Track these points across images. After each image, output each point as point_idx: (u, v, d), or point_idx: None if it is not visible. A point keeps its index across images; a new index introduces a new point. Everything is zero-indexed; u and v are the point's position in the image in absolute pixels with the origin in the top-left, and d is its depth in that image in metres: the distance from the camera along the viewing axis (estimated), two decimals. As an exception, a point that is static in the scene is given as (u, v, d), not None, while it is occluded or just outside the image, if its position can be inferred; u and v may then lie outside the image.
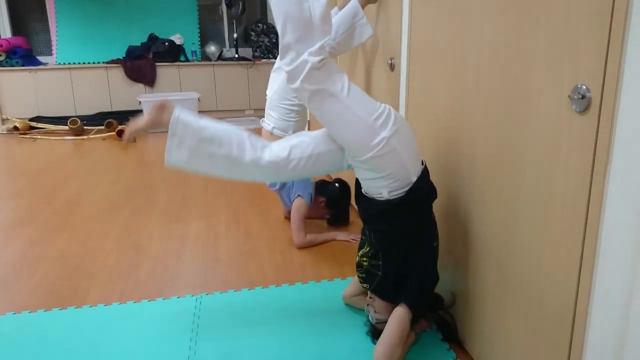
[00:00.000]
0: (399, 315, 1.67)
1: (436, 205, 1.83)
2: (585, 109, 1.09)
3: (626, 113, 0.98)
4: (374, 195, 1.68)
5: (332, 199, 2.82)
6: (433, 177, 1.73)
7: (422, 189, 1.66)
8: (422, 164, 1.69)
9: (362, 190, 1.75)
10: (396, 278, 1.73)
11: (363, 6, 2.33)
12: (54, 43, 6.70)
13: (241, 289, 2.24)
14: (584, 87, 1.08)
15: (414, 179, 1.61)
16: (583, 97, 1.08)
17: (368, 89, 2.69)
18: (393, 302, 1.74)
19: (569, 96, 1.12)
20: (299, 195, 2.70)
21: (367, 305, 1.88)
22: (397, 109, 2.14)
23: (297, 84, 1.54)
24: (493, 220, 1.52)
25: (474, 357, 1.73)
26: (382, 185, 1.61)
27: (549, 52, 1.19)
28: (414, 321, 1.70)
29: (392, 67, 2.27)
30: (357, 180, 1.78)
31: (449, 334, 1.81)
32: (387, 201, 1.64)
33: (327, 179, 3.03)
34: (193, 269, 2.45)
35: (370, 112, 1.55)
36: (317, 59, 1.51)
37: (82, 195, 3.62)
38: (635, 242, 0.98)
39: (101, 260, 2.55)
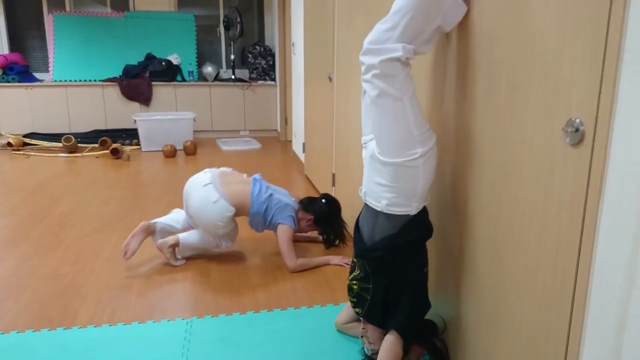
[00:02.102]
0: (390, 343, 1.67)
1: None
2: (578, 142, 1.11)
3: (619, 146, 1.00)
4: (372, 202, 1.68)
5: (320, 215, 2.81)
6: (427, 204, 1.74)
7: (420, 229, 1.70)
8: (426, 200, 1.71)
9: (361, 191, 1.75)
10: (386, 302, 1.73)
11: None
12: (50, 60, 6.72)
13: (233, 313, 2.22)
14: (578, 120, 1.10)
15: (414, 208, 1.63)
16: (577, 130, 1.10)
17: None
18: (383, 327, 1.73)
19: (562, 129, 1.14)
20: (279, 223, 2.69)
21: (362, 336, 1.87)
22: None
23: (376, 61, 1.48)
24: (486, 250, 1.53)
25: (467, 387, 1.72)
26: (385, 196, 1.62)
27: (544, 85, 1.22)
28: (406, 347, 1.69)
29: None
30: (356, 228, 1.80)
31: (441, 360, 1.80)
32: (384, 240, 1.66)
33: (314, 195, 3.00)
34: (184, 292, 2.43)
35: (420, 125, 1.55)
36: (407, 54, 1.48)
37: (75, 213, 3.59)
38: (627, 276, 0.99)
39: (92, 279, 2.52)
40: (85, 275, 2.58)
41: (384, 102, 1.51)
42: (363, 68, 1.55)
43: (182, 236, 2.71)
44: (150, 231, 2.78)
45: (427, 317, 1.83)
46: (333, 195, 2.95)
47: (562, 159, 1.16)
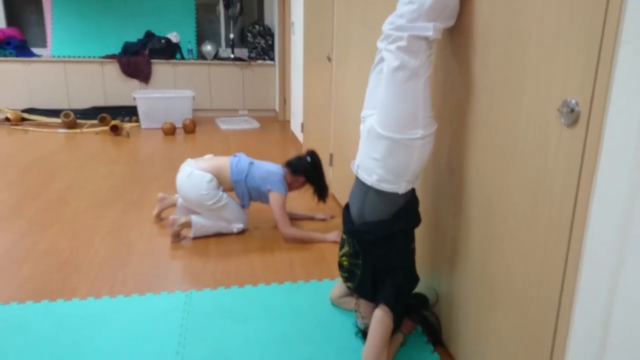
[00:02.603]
0: (379, 317, 1.71)
1: (424, 212, 1.88)
2: (573, 123, 1.13)
3: (614, 127, 1.02)
4: (363, 176, 1.71)
5: (310, 174, 2.86)
6: (421, 180, 1.77)
7: (410, 219, 1.76)
8: (414, 192, 1.75)
9: (354, 165, 1.78)
10: (375, 277, 1.77)
11: None
12: (48, 36, 6.68)
13: (231, 286, 2.26)
14: (573, 101, 1.12)
15: (403, 187, 1.66)
16: (572, 110, 1.13)
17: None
18: (373, 302, 1.78)
19: (558, 109, 1.17)
20: (269, 190, 2.75)
21: (355, 311, 1.92)
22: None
23: (405, 34, 1.50)
24: (479, 226, 1.56)
25: (457, 359, 1.77)
26: (377, 171, 1.65)
27: (540, 67, 1.24)
28: (397, 321, 1.74)
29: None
30: (346, 206, 1.84)
31: (434, 336, 1.85)
32: (378, 222, 1.70)
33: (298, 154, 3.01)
34: (183, 265, 2.47)
35: (426, 109, 1.58)
36: (436, 34, 1.51)
37: (73, 189, 3.62)
38: (618, 250, 1.02)
39: (91, 254, 2.56)
40: (83, 250, 2.61)
41: (402, 75, 1.53)
42: (388, 40, 1.56)
43: (195, 217, 2.74)
44: (170, 203, 2.93)
45: (420, 289, 1.88)
46: (315, 152, 2.96)
47: (557, 139, 1.19)
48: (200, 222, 2.74)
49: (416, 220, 1.80)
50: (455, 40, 1.67)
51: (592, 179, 1.09)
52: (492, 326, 1.53)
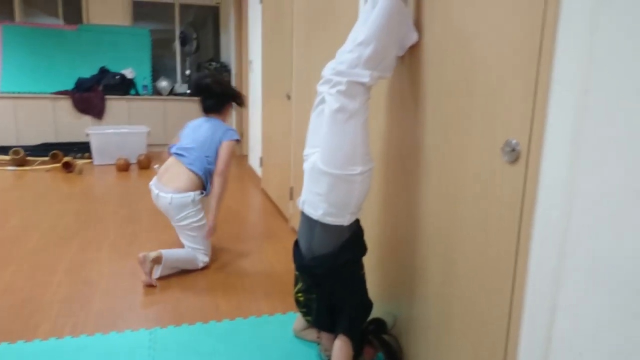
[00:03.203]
0: (339, 346, 1.79)
1: (384, 240, 1.99)
2: (515, 160, 1.28)
3: (549, 164, 1.17)
4: (309, 211, 1.80)
5: (227, 91, 3.08)
6: (382, 213, 1.88)
7: (356, 249, 1.87)
8: (358, 223, 1.86)
9: (299, 201, 1.87)
10: (331, 308, 1.86)
11: None
12: (-2, 71, 6.55)
13: (195, 322, 2.28)
14: (514, 141, 1.27)
15: (347, 220, 1.77)
16: (513, 150, 1.27)
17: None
18: (332, 332, 1.85)
19: (501, 148, 1.31)
20: (224, 142, 2.89)
21: (318, 343, 1.99)
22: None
23: (344, 80, 1.63)
24: (435, 252, 1.68)
25: (419, 384, 1.86)
26: (321, 206, 1.75)
27: (485, 110, 1.39)
28: (357, 347, 1.82)
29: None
30: (295, 243, 1.93)
31: (394, 358, 1.93)
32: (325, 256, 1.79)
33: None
34: (146, 302, 2.47)
35: (365, 148, 1.70)
36: (372, 81, 1.65)
37: (27, 227, 3.54)
38: (555, 275, 1.15)
39: (51, 293, 2.52)
40: (42, 289, 2.57)
41: (341, 116, 1.65)
42: (329, 84, 1.69)
43: (165, 251, 2.73)
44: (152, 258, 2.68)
45: (379, 314, 1.98)
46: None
47: (501, 175, 1.33)
48: (170, 255, 2.73)
49: (362, 249, 1.90)
50: (410, 88, 1.82)
51: (532, 210, 1.22)
52: (450, 345, 1.63)
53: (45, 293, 2.52)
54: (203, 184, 2.86)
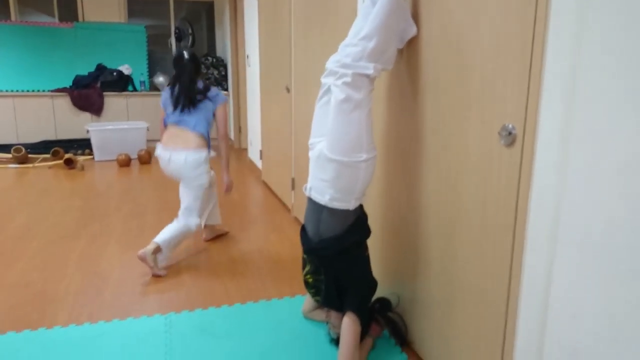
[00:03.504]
0: (348, 323, 1.89)
1: (387, 221, 2.09)
2: (511, 144, 1.38)
3: (542, 147, 1.27)
4: (316, 196, 1.90)
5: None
6: (385, 198, 1.98)
7: (361, 232, 1.96)
8: (362, 208, 1.96)
9: (306, 188, 1.96)
10: (338, 288, 1.96)
11: None
12: (-5, 70, 6.58)
13: (208, 307, 2.38)
14: (510, 125, 1.37)
15: (352, 205, 1.87)
16: (509, 134, 1.37)
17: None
18: (341, 311, 1.96)
19: (498, 133, 1.41)
20: (218, 105, 3.01)
21: (327, 322, 2.10)
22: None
23: (350, 72, 1.72)
24: (437, 232, 1.79)
25: (423, 357, 1.97)
26: (328, 192, 1.85)
27: (483, 97, 1.48)
28: (365, 325, 1.93)
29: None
30: (302, 228, 2.02)
31: (400, 336, 2.04)
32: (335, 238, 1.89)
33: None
34: (158, 290, 2.56)
35: (369, 136, 1.80)
36: (376, 73, 1.75)
37: (34, 223, 3.62)
38: (550, 251, 1.26)
39: (64, 285, 2.61)
40: (55, 281, 2.65)
41: (347, 106, 1.75)
42: (334, 76, 1.78)
43: (157, 238, 2.80)
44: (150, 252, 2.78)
45: (383, 294, 2.08)
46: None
47: (499, 157, 1.43)
48: (164, 237, 2.79)
49: (366, 232, 2.00)
50: (409, 78, 1.91)
51: (528, 190, 1.33)
52: (452, 322, 1.74)
53: (59, 285, 2.61)
54: (207, 144, 2.99)
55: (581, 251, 1.17)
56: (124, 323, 2.23)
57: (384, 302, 2.09)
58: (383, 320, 2.08)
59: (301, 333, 2.17)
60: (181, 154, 2.87)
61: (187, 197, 2.96)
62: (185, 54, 3.01)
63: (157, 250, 2.78)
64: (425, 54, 1.80)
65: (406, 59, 1.92)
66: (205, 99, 2.96)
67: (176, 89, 2.94)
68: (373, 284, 2.01)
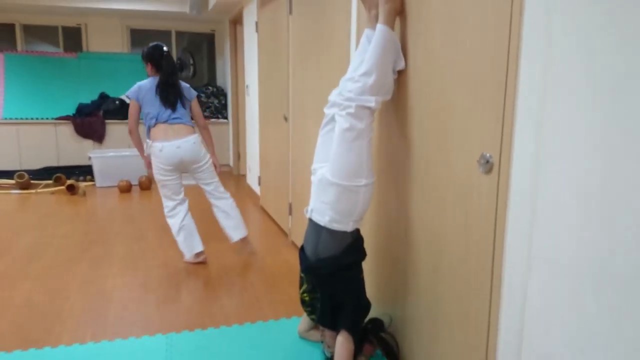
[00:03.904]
0: (341, 342, 2.00)
1: (380, 248, 2.20)
2: (489, 171, 1.51)
3: (516, 174, 1.40)
4: (317, 217, 2.02)
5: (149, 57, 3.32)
6: (378, 219, 2.10)
7: (357, 254, 2.08)
8: (359, 231, 2.08)
9: (307, 210, 2.09)
10: (333, 307, 2.07)
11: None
12: (0, 99, 6.74)
13: (207, 328, 2.47)
14: (488, 154, 1.50)
15: (350, 227, 1.99)
16: (487, 162, 1.50)
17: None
18: (335, 330, 2.06)
19: (477, 161, 1.54)
20: (194, 98, 3.42)
21: (322, 341, 2.20)
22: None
23: (353, 104, 1.87)
24: (425, 256, 1.90)
25: (414, 376, 2.06)
26: (328, 213, 1.97)
27: (464, 127, 1.62)
28: (358, 343, 2.02)
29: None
30: (301, 248, 2.14)
31: (392, 355, 2.13)
32: (332, 258, 2.00)
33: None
34: (159, 311, 2.65)
35: (368, 163, 1.94)
36: (377, 105, 1.90)
37: (38, 247, 3.71)
38: (525, 269, 1.38)
39: (68, 306, 2.70)
40: (60, 302, 2.74)
41: (350, 135, 1.89)
42: (339, 107, 1.93)
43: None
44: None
45: (375, 315, 2.18)
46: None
47: (478, 184, 1.56)
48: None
49: (362, 254, 2.12)
50: (397, 109, 2.06)
51: (505, 214, 1.45)
52: (439, 338, 1.84)
53: (63, 306, 2.70)
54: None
55: (552, 269, 1.29)
56: (127, 342, 2.31)
57: (377, 322, 2.19)
58: (376, 340, 2.17)
59: (297, 353, 2.26)
60: (189, 139, 3.23)
61: (210, 179, 3.41)
62: (165, 48, 3.34)
63: (202, 252, 3.35)
64: (410, 86, 1.94)
65: (396, 88, 2.07)
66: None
67: (166, 89, 3.24)
68: (366, 305, 2.11)
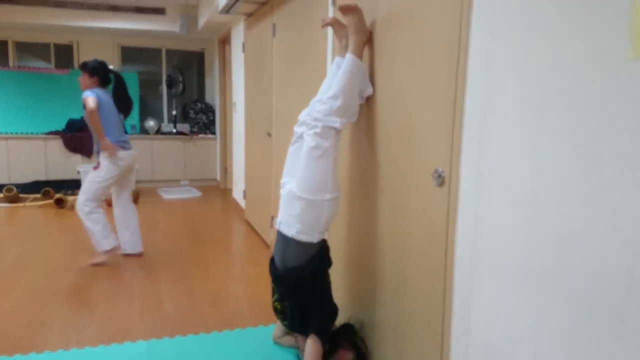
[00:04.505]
0: (310, 344, 2.13)
1: (351, 257, 2.34)
2: (441, 184, 1.66)
3: (465, 187, 1.55)
4: (284, 229, 2.15)
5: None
6: (348, 230, 2.24)
7: (322, 262, 2.22)
8: (325, 241, 2.22)
9: (277, 222, 2.22)
10: (302, 313, 2.20)
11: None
12: (-9, 113, 6.86)
13: (187, 334, 2.58)
14: (440, 169, 1.66)
15: (316, 238, 2.13)
16: (440, 176, 1.66)
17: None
18: (305, 334, 2.18)
19: (431, 175, 1.69)
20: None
21: (297, 346, 2.32)
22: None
23: (319, 124, 2.01)
24: (389, 262, 2.04)
25: (381, 378, 2.18)
26: (295, 225, 2.11)
27: (420, 144, 1.78)
28: (330, 349, 2.14)
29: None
30: (271, 259, 2.28)
31: (362, 357, 2.25)
32: (296, 268, 2.14)
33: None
34: (142, 319, 2.76)
35: (334, 180, 2.08)
36: (342, 126, 2.05)
37: (27, 257, 3.80)
38: (471, 272, 1.52)
39: (55, 314, 2.80)
40: (46, 310, 2.84)
41: (316, 152, 2.03)
42: (307, 126, 2.08)
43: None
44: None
45: (348, 321, 2.32)
46: None
47: (432, 196, 1.71)
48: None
49: (328, 262, 2.26)
50: (365, 129, 2.21)
51: (455, 222, 1.60)
52: (403, 339, 1.97)
53: (50, 313, 2.80)
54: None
55: (490, 270, 1.44)
56: (109, 348, 2.42)
57: (349, 327, 2.31)
58: (348, 344, 2.29)
59: (272, 358, 2.37)
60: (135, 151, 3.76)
61: (130, 185, 3.98)
62: (112, 67, 3.71)
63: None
64: (377, 109, 2.10)
65: (364, 112, 2.23)
66: None
67: (119, 112, 3.74)
68: (334, 309, 2.24)
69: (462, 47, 1.53)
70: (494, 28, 1.39)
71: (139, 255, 3.89)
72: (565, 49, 1.16)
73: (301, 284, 2.16)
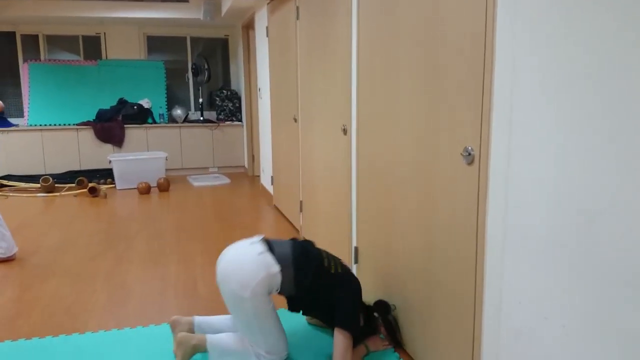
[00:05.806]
0: (337, 337, 2.09)
1: (380, 240, 2.36)
2: (471, 162, 1.65)
3: (495, 165, 1.55)
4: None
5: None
6: (376, 217, 2.25)
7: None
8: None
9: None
10: (324, 312, 2.27)
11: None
12: (25, 106, 7.05)
13: (220, 314, 2.64)
14: (470, 147, 1.65)
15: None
16: (469, 154, 1.65)
17: (326, 149, 3.25)
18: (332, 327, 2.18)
19: (461, 154, 1.69)
20: None
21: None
22: (349, 166, 2.71)
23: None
24: (418, 245, 2.05)
25: (412, 355, 2.20)
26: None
27: (449, 124, 1.77)
28: (357, 337, 2.15)
29: (344, 132, 2.85)
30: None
31: (393, 335, 2.27)
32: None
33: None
34: (177, 302, 2.84)
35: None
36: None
37: (65, 244, 3.94)
38: (501, 249, 1.52)
39: (94, 298, 2.90)
40: (86, 294, 2.95)
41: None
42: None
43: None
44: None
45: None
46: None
47: (462, 174, 1.71)
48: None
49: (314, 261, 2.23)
50: (391, 114, 2.21)
51: (485, 200, 1.60)
52: (434, 321, 1.99)
53: (90, 297, 2.91)
54: None
55: (522, 247, 1.44)
56: (147, 329, 2.50)
57: (383, 305, 2.32)
58: (381, 320, 2.30)
59: (305, 336, 2.42)
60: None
61: None
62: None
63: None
64: (403, 89, 2.10)
65: (391, 92, 2.22)
66: None
67: None
68: (362, 308, 2.29)
69: (488, 29, 1.52)
70: (519, 10, 1.38)
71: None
72: (591, 28, 1.15)
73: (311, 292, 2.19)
